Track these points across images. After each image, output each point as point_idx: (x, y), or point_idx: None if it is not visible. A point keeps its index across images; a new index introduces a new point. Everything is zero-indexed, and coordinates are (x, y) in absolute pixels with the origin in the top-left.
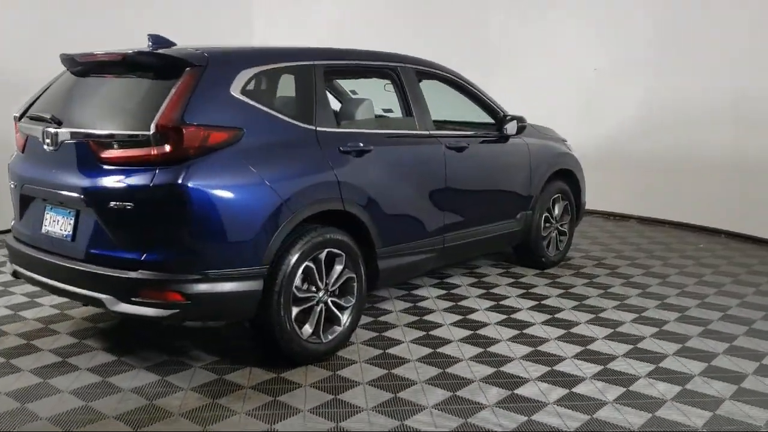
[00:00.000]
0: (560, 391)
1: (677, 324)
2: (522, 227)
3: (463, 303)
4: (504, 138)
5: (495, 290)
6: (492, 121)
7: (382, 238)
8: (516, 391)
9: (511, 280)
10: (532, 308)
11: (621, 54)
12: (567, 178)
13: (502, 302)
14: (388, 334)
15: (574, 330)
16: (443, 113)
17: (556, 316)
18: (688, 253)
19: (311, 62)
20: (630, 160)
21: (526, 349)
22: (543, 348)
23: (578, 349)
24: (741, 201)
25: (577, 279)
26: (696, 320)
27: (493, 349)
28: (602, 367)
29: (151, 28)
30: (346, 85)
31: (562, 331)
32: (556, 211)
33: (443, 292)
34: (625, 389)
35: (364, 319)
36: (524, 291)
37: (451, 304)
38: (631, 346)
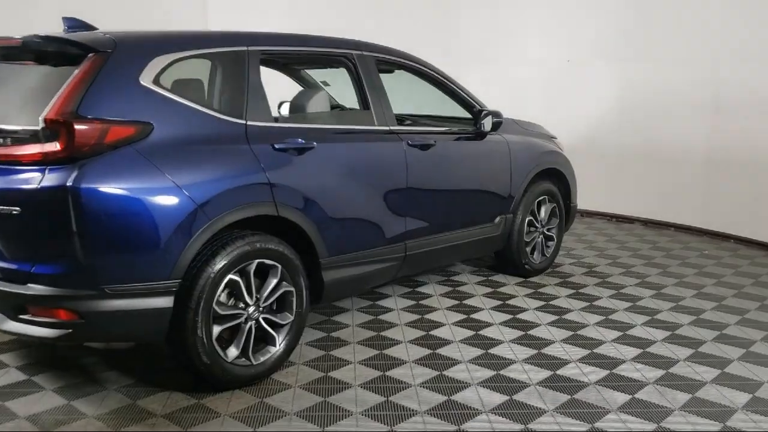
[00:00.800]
0: (516, 427)
1: (664, 345)
2: (501, 232)
3: (430, 316)
4: (480, 135)
5: (469, 301)
6: (470, 116)
7: (327, 247)
8: (464, 427)
9: (489, 290)
10: (505, 323)
11: (595, 44)
12: (555, 179)
13: (473, 315)
14: (336, 353)
15: (547, 350)
16: (420, 108)
17: (529, 332)
18: (691, 260)
19: (243, 48)
20: (611, 155)
21: (486, 373)
22: (506, 372)
23: (545, 374)
24: (752, 204)
25: (562, 289)
26: (687, 341)
27: (450, 372)
28: (569, 397)
29: (94, 13)
30: (322, 76)
31: (531, 351)
32: (542, 215)
33: (411, 302)
34: (590, 425)
35: (310, 338)
36: (500, 303)
37: (416, 317)
38: (607, 372)
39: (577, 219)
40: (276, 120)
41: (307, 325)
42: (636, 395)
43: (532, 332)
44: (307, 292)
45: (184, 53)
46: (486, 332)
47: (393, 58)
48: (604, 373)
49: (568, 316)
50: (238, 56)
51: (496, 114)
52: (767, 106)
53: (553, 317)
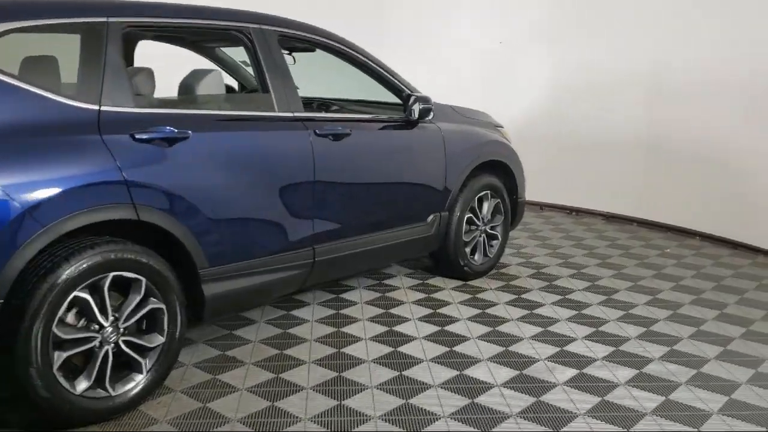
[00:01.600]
0: None
1: (605, 366)
2: (435, 232)
3: (347, 330)
4: (410, 123)
5: (396, 309)
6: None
7: (209, 255)
8: None
9: (421, 296)
10: (429, 336)
11: (530, 25)
12: (499, 172)
13: (396, 327)
14: (220, 378)
15: (469, 371)
16: (354, 93)
17: (455, 348)
18: (650, 260)
19: (100, 19)
20: (551, 143)
21: (392, 402)
22: (415, 401)
23: (461, 402)
24: (723, 200)
25: (502, 294)
26: (631, 360)
27: (351, 402)
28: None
29: None
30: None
31: (452, 373)
32: (484, 211)
33: (329, 312)
34: None
35: (208, 356)
36: (429, 312)
37: (332, 329)
38: (534, 400)
39: (535, 213)
40: (152, 105)
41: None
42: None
43: (458, 348)
44: (183, 309)
45: (19, 23)
46: (407, 349)
47: (302, 34)
48: (530, 400)
49: (503, 328)
50: (93, 29)
51: (423, 100)
52: (710, 89)
53: (486, 329)
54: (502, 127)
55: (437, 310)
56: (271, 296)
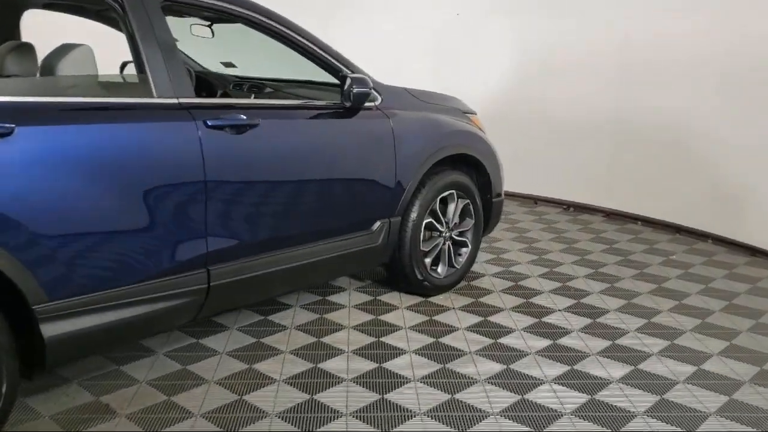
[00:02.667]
0: None
1: (570, 423)
2: (383, 241)
3: (265, 366)
4: (349, 111)
5: (331, 338)
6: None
7: (48, 287)
8: None
9: (367, 318)
10: (360, 378)
11: None
12: (471, 168)
13: (329, 362)
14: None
15: (406, 427)
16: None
17: (388, 396)
18: (651, 269)
19: None
20: (526, 128)
21: None
22: None
23: None
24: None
25: (466, 317)
26: (611, 415)
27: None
28: None
29: None
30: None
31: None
32: (449, 215)
33: (248, 340)
34: None
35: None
36: (372, 340)
37: (243, 366)
38: None
39: (528, 208)
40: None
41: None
42: None
43: (392, 396)
44: (9, 356)
45: None
46: (330, 396)
47: (197, 1)
48: None
49: (456, 365)
50: None
51: (359, 82)
52: (679, 68)
53: (433, 366)
54: (473, 113)
55: (381, 338)
56: (147, 332)
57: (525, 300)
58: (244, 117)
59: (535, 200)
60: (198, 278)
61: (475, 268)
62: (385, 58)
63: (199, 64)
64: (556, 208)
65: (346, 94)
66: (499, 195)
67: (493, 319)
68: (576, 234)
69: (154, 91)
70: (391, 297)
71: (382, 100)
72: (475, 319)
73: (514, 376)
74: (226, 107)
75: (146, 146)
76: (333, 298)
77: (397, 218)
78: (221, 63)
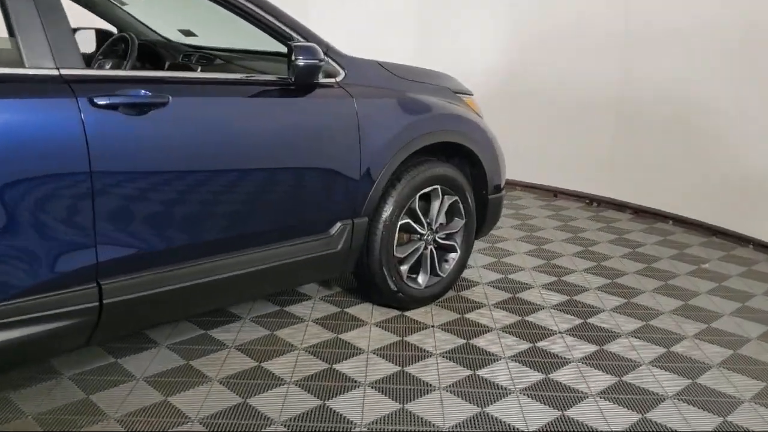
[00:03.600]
0: None
1: None
2: (345, 246)
3: (175, 400)
4: (300, 88)
5: (271, 365)
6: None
7: None
8: None
9: (326, 338)
10: (294, 421)
11: None
12: (462, 159)
13: (254, 399)
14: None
15: None
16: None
17: None
18: (678, 281)
19: None
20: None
21: None
22: None
23: None
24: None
25: (445, 338)
26: None
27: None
28: None
29: None
30: None
31: None
32: (433, 214)
33: (176, 362)
34: None
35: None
36: (325, 367)
37: (161, 388)
38: None
39: (546, 201)
40: None
41: None
42: None
43: None
44: None
45: None
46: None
47: None
48: None
49: (419, 405)
50: None
51: (307, 51)
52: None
53: (391, 406)
54: (468, 94)
55: (334, 366)
56: (20, 362)
57: (520, 318)
58: (147, 93)
59: (555, 193)
60: (86, 295)
61: (469, 274)
62: (366, 33)
63: (154, 32)
64: (577, 202)
65: (291, 68)
66: (497, 190)
67: (477, 342)
68: (595, 234)
69: (25, 59)
70: (360, 310)
71: (345, 75)
72: (454, 342)
73: (490, 422)
74: (126, 81)
75: (11, 130)
76: (293, 308)
77: (363, 219)
78: (179, 31)
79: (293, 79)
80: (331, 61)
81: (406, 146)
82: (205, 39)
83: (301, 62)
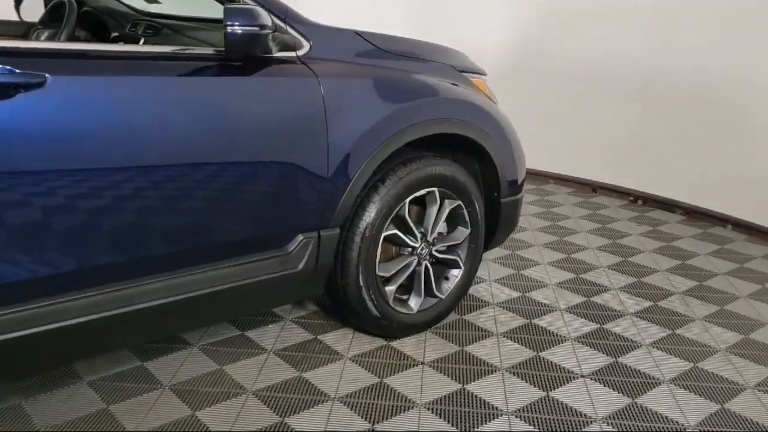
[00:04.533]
0: None
1: None
2: (309, 265)
3: None
4: (248, 64)
5: (205, 414)
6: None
7: None
8: None
9: (288, 375)
10: None
11: None
12: (472, 157)
13: None
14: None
15: None
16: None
17: None
18: (735, 306)
19: None
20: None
21: None
22: None
23: None
24: None
25: (439, 381)
26: None
27: None
28: None
29: None
30: None
31: None
32: (428, 223)
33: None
34: None
35: None
36: (275, 420)
37: None
38: None
39: (582, 198)
40: None
41: None
42: None
43: None
44: None
45: None
46: None
47: None
48: None
49: None
50: None
51: (241, 15)
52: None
53: None
54: (479, 74)
55: (286, 419)
56: None
57: (535, 353)
58: (13, 70)
59: (594, 188)
60: None
61: (479, 291)
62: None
63: None
64: (619, 199)
65: (225, 37)
66: (514, 192)
67: (475, 387)
68: (637, 241)
69: None
70: (337, 338)
71: (310, 47)
72: (448, 387)
73: None
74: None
75: None
76: (255, 334)
77: (333, 230)
78: None
79: (227, 53)
80: (290, 29)
81: (392, 139)
82: (169, 6)
83: (234, 29)
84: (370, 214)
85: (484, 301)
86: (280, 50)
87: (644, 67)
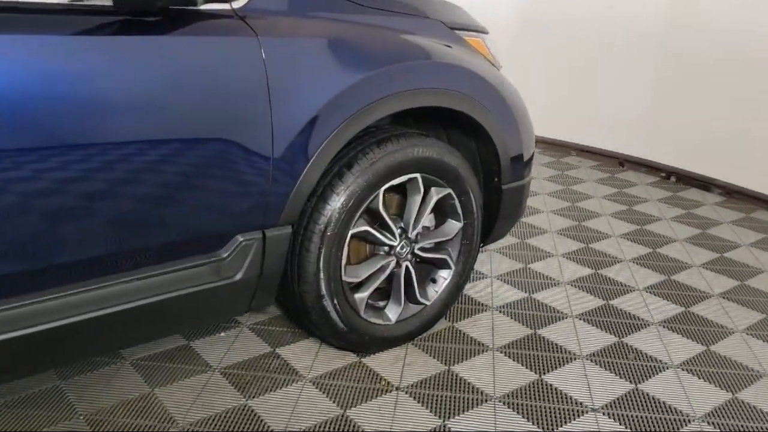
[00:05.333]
0: None
1: None
2: (250, 273)
3: None
4: (165, 18)
5: None
6: None
7: None
8: None
9: (231, 404)
10: None
11: None
12: (461, 131)
13: None
14: None
15: None
16: None
17: None
18: None
19: None
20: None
21: None
22: None
23: None
24: None
25: (418, 414)
26: None
27: None
28: None
29: None
30: None
31: None
32: (409, 216)
33: None
34: None
35: None
36: None
37: None
38: None
39: (609, 173)
40: None
41: None
42: None
43: None
44: None
45: None
46: None
47: None
48: None
49: None
50: None
51: None
52: None
53: None
54: (479, 32)
55: None
56: None
57: (537, 376)
58: None
59: (622, 161)
60: None
61: (476, 290)
62: None
63: None
64: (650, 176)
65: None
66: (518, 176)
67: (460, 424)
68: (667, 227)
69: None
70: (300, 350)
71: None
72: (426, 423)
73: None
74: None
75: None
76: (201, 345)
77: (283, 229)
78: None
79: (135, 3)
80: None
81: (360, 115)
82: None
83: None
84: (333, 207)
85: (482, 305)
86: (212, 1)
87: (681, 20)
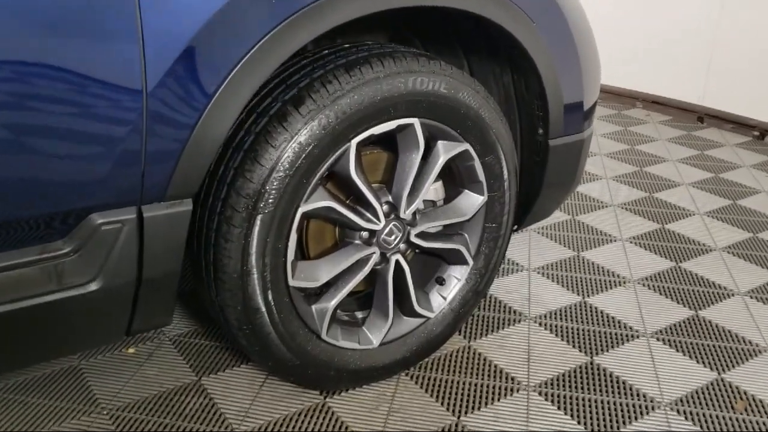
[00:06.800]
0: None
1: None
2: (117, 276)
3: None
4: None
5: None
6: None
7: None
8: None
9: None
10: None
11: None
12: (480, 57)
13: None
14: None
15: None
16: None
17: None
18: None
19: None
20: None
21: None
22: None
23: None
24: None
25: None
26: None
27: None
28: None
29: None
30: None
31: None
32: (401, 186)
33: None
34: None
35: None
36: None
37: None
38: None
39: (686, 130)
40: None
41: None
42: None
43: None
44: None
45: None
46: None
47: None
48: None
49: None
50: None
51: None
52: None
53: None
54: None
55: None
56: None
57: (585, 428)
58: None
59: (701, 116)
60: None
61: (506, 289)
62: None
63: None
64: (738, 134)
65: None
66: (574, 129)
67: None
68: (760, 201)
69: None
70: (236, 383)
71: None
72: None
73: None
74: None
75: None
76: (96, 369)
77: (177, 204)
78: None
79: None
80: None
81: (310, 11)
82: None
83: None
84: (270, 168)
85: (515, 312)
86: None
87: None
